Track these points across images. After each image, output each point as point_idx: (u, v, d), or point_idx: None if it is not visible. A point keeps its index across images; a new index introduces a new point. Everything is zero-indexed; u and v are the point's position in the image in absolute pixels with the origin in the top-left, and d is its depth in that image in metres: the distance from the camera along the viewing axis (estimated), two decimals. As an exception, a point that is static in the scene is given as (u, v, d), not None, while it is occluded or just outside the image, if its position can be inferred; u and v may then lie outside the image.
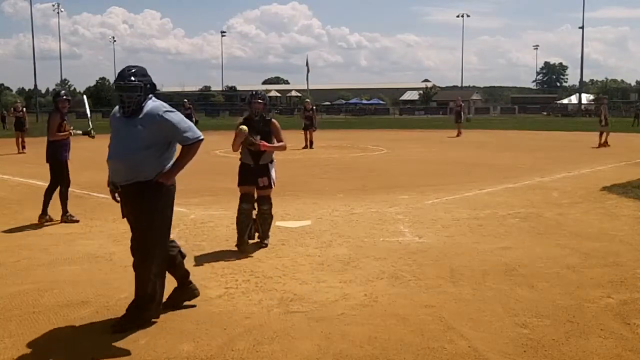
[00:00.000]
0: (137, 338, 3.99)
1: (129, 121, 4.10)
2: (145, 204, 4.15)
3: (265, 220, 6.49)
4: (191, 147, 4.21)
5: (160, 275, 4.25)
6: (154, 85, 4.19)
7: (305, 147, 20.60)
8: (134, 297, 4.24)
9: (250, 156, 6.34)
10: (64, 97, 8.25)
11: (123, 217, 4.36)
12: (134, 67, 4.16)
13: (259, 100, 6.38)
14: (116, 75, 4.14)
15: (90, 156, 13.65)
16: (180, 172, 4.30)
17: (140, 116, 4.08)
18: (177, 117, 4.17)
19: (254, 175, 6.35)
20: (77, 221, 7.89)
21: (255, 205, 6.45)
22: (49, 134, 8.13)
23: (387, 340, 3.93)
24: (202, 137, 4.26)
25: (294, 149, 19.15)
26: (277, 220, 7.82)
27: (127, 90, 4.05)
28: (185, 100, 29.04)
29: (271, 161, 6.43)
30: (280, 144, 6.39)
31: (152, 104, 4.14)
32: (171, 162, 4.24)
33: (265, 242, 6.45)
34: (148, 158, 4.08)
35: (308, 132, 20.85)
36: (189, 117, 26.32)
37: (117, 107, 4.26)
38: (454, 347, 3.81)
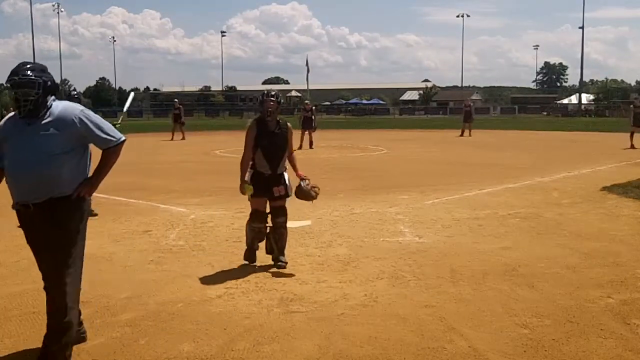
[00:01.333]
0: (137, 338, 3.99)
1: (35, 126, 3.43)
2: (64, 224, 3.50)
3: (281, 236, 5.70)
4: (115, 149, 3.64)
5: (77, 302, 3.67)
6: (56, 84, 3.55)
7: (300, 147, 20.61)
8: (48, 331, 3.57)
9: (268, 163, 5.61)
10: (75, 97, 8.23)
11: (28, 243, 3.73)
12: (30, 62, 3.55)
13: (272, 99, 5.56)
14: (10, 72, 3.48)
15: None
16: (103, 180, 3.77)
17: (50, 119, 3.45)
18: (96, 117, 3.61)
19: (269, 184, 5.63)
20: (96, 215, 7.73)
21: (269, 218, 5.74)
22: None
23: (387, 340, 3.93)
24: (124, 138, 3.70)
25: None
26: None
27: (22, 87, 3.38)
28: (176, 100, 29.56)
29: (285, 168, 5.78)
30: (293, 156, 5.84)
31: (63, 104, 3.56)
32: (89, 171, 3.68)
33: (282, 260, 5.65)
34: (64, 168, 3.46)
35: (308, 133, 20.84)
36: (178, 117, 26.81)
37: (11, 113, 3.65)
38: (454, 347, 3.81)
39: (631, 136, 19.55)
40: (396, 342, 3.89)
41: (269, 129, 5.60)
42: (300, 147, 20.47)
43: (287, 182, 5.67)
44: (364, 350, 3.78)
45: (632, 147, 19.23)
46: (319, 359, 3.67)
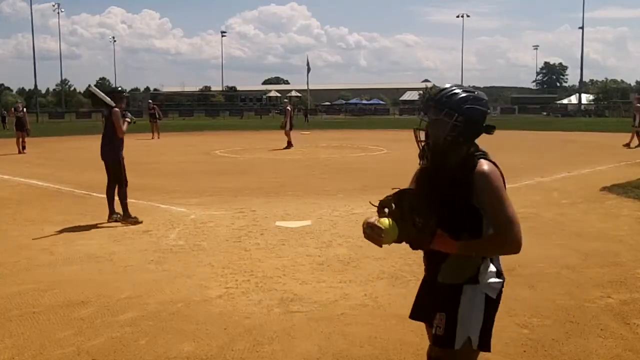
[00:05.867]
0: (137, 338, 4.00)
1: None
2: None
3: None
4: None
5: None
6: None
7: (287, 147, 20.63)
8: None
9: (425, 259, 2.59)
10: (124, 94, 8.26)
11: None
12: None
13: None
14: None
15: (89, 156, 13.71)
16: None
17: None
18: None
19: (429, 299, 2.55)
20: (141, 222, 7.69)
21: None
22: (117, 131, 7.85)
23: (387, 340, 3.93)
24: None
25: (278, 149, 19.14)
26: (277, 220, 7.83)
27: None
28: (150, 101, 32.91)
29: (475, 279, 2.40)
30: (498, 241, 2.35)
31: None
32: None
33: None
34: None
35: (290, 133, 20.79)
36: (153, 116, 27.30)
37: None
38: (454, 347, 3.80)
39: (634, 136, 19.77)
40: (396, 342, 3.89)
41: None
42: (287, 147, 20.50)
43: (465, 314, 2.53)
44: (364, 350, 3.78)
45: (628, 145, 19.54)
46: (319, 359, 3.67)
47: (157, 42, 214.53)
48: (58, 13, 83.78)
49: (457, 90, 2.36)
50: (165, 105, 71.74)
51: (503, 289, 2.43)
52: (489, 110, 2.45)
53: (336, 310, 4.47)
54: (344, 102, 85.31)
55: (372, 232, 2.28)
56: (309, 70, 46.53)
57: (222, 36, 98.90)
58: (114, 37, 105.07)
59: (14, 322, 4.33)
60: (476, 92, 2.40)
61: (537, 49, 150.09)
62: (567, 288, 4.96)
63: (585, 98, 75.57)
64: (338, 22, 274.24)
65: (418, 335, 4.00)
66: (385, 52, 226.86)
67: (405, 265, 5.66)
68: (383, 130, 35.09)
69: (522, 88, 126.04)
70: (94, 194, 10.15)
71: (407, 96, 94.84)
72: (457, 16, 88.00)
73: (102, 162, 7.97)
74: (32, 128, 21.82)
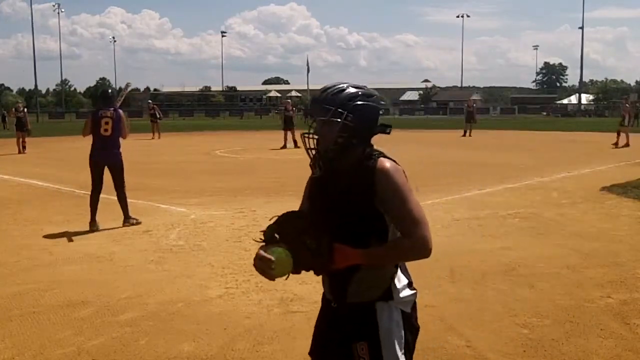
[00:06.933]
0: (137, 338, 4.00)
1: None
2: None
3: None
4: None
5: None
6: None
7: (284, 147, 20.60)
8: None
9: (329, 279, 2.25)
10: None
11: None
12: None
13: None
14: None
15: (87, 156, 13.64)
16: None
17: None
18: None
19: (336, 332, 2.20)
20: (140, 222, 7.67)
21: None
22: (125, 134, 7.81)
23: (387, 340, 3.93)
24: None
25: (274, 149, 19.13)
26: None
27: None
28: (150, 101, 32.90)
29: (388, 294, 2.15)
30: (405, 244, 2.14)
31: None
32: None
33: None
34: None
35: (289, 132, 20.82)
36: (153, 116, 27.35)
37: None
38: (454, 347, 3.81)
39: (620, 135, 20.12)
40: (396, 342, 3.88)
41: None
42: (284, 147, 20.48)
43: (386, 341, 2.39)
44: (364, 350, 3.77)
45: (616, 144, 19.81)
46: (319, 359, 3.67)
47: (157, 42, 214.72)
48: (58, 13, 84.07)
49: (344, 87, 2.11)
50: (165, 105, 71.72)
51: (416, 300, 2.22)
52: (382, 106, 2.18)
53: (336, 310, 4.47)
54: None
55: (262, 264, 1.94)
56: (308, 71, 46.59)
57: (222, 36, 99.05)
58: (114, 37, 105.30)
59: (14, 322, 4.33)
60: (366, 88, 2.15)
61: (537, 49, 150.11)
62: (567, 288, 4.96)
63: (585, 98, 75.58)
64: (338, 22, 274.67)
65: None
66: (385, 52, 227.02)
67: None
68: (383, 130, 34.98)
69: (522, 88, 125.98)
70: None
71: (407, 96, 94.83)
72: (457, 16, 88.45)
73: (98, 166, 7.75)
74: (32, 128, 21.81)
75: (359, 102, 2.08)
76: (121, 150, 7.81)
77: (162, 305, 4.64)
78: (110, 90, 8.44)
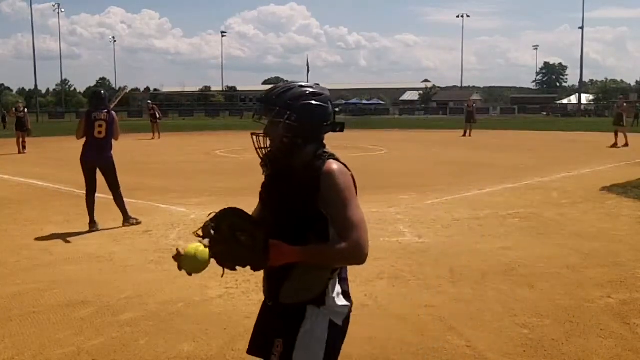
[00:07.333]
0: (137, 338, 4.00)
1: None
2: None
3: None
4: None
5: None
6: None
7: None
8: None
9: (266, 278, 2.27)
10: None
11: None
12: None
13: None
14: None
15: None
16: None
17: None
18: None
19: (268, 329, 2.23)
20: (140, 222, 7.68)
21: None
22: (117, 135, 7.83)
23: (387, 340, 3.93)
24: None
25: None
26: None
27: None
28: (149, 101, 33.26)
29: (321, 299, 2.12)
30: (340, 246, 2.03)
31: None
32: None
33: None
34: None
35: None
36: (153, 116, 27.25)
37: None
38: (454, 347, 3.81)
39: (617, 135, 20.20)
40: (396, 342, 3.89)
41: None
42: None
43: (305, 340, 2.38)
44: (364, 350, 3.78)
45: (616, 144, 19.86)
46: (319, 359, 3.67)
47: (157, 42, 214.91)
48: (58, 13, 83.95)
49: (291, 86, 2.09)
50: (165, 105, 71.70)
51: (351, 314, 2.17)
52: (329, 105, 2.15)
53: (336, 310, 4.46)
54: (344, 102, 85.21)
55: (175, 259, 1.99)
56: (308, 71, 46.54)
57: (222, 36, 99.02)
58: (113, 37, 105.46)
59: (14, 322, 4.33)
60: (315, 87, 2.12)
61: (537, 49, 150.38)
62: (567, 288, 4.96)
63: (585, 98, 75.53)
64: (338, 22, 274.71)
65: (418, 336, 4.00)
66: (385, 52, 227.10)
67: (405, 265, 5.66)
68: (383, 130, 35.09)
69: (522, 88, 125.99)
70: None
71: (407, 96, 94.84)
72: (457, 16, 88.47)
73: (89, 168, 7.73)
74: (32, 128, 21.81)
75: (303, 102, 2.05)
76: (112, 152, 7.80)
77: (162, 305, 4.64)
78: (103, 92, 8.41)
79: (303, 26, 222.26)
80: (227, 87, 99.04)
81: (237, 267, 1.99)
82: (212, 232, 1.96)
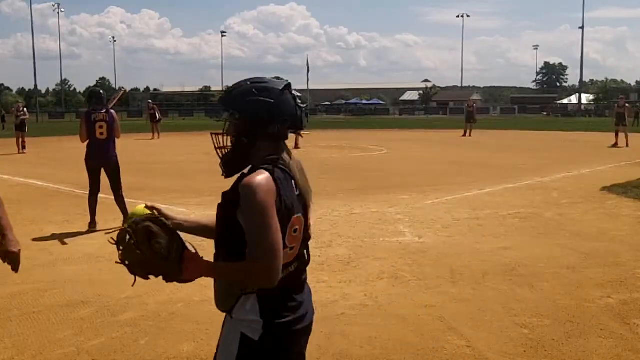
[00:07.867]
0: (137, 338, 4.00)
1: None
2: None
3: None
4: None
5: None
6: None
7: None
8: None
9: None
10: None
11: None
12: None
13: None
14: None
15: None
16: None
17: None
18: None
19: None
20: None
21: None
22: (118, 133, 7.84)
23: (387, 340, 3.93)
24: None
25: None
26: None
27: None
28: (150, 101, 32.92)
29: (230, 310, 2.14)
30: (248, 268, 1.97)
31: None
32: None
33: None
34: None
35: None
36: (153, 116, 27.18)
37: None
38: (454, 347, 3.81)
39: (619, 135, 20.23)
40: (396, 342, 3.89)
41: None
42: None
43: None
44: (364, 350, 3.78)
45: (616, 144, 19.97)
46: (318, 359, 3.67)
47: (157, 42, 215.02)
48: (58, 13, 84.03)
49: (242, 83, 1.98)
50: (165, 105, 71.72)
51: (291, 335, 2.00)
52: (279, 100, 1.94)
53: (336, 310, 4.47)
54: (344, 102, 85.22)
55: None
56: (308, 71, 46.53)
57: (222, 36, 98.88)
58: (113, 37, 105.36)
59: (14, 322, 4.33)
60: (267, 82, 1.97)
61: (537, 49, 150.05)
62: (567, 288, 4.96)
63: (585, 98, 75.55)
64: (338, 22, 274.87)
65: (418, 335, 4.00)
66: (385, 52, 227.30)
67: (405, 265, 5.66)
68: (383, 130, 35.08)
69: (522, 88, 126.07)
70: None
71: (407, 96, 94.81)
72: (457, 16, 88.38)
73: (95, 169, 7.71)
74: (31, 128, 21.82)
75: (247, 98, 1.92)
76: (117, 151, 7.81)
77: (162, 305, 4.63)
78: (101, 92, 8.41)
79: (303, 26, 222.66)
80: (227, 87, 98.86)
81: (150, 277, 1.93)
82: (128, 237, 1.87)
